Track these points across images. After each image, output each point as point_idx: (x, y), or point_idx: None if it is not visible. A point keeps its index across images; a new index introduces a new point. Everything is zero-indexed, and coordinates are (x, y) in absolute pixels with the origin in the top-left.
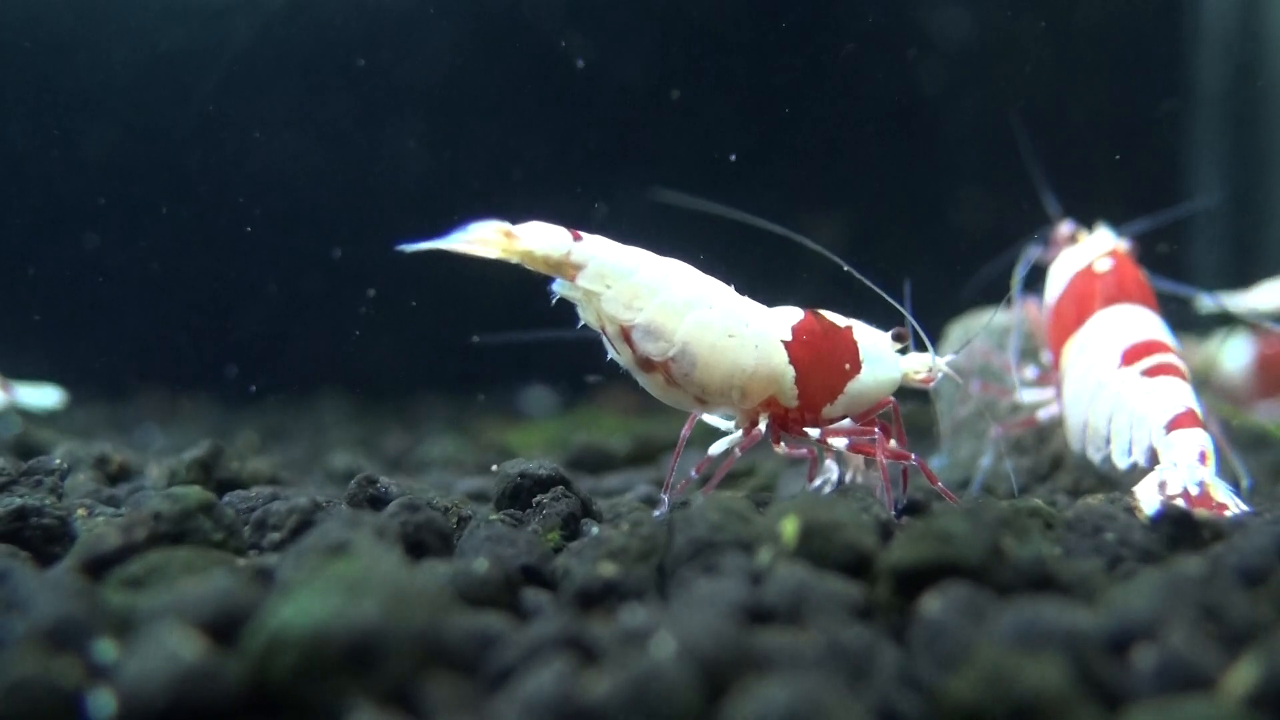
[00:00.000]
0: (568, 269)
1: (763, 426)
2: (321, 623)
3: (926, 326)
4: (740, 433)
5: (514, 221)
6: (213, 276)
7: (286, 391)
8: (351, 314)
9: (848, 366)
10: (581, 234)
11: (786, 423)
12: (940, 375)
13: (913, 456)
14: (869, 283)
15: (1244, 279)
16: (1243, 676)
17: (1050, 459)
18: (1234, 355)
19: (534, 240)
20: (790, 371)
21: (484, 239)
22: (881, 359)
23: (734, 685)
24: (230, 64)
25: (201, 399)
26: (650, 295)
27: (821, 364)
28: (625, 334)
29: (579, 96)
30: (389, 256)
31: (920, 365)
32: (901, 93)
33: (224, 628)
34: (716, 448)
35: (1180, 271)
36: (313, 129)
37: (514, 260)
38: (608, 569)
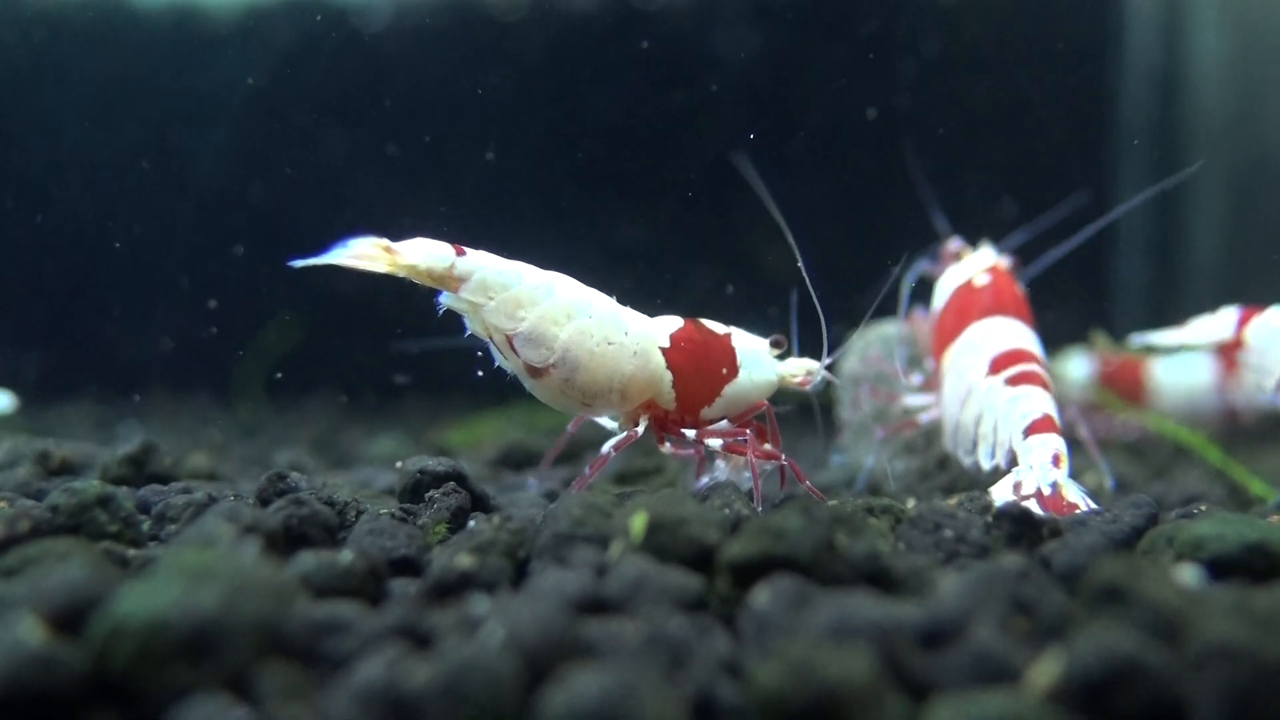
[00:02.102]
0: (451, 282)
1: (641, 428)
2: (160, 611)
3: (828, 333)
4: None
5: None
6: (211, 279)
7: (279, 392)
8: (343, 316)
9: (725, 371)
10: (465, 249)
11: (666, 424)
12: (819, 379)
13: (782, 456)
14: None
15: (1162, 293)
16: (1046, 671)
17: (937, 459)
18: (1074, 371)
19: (416, 255)
20: (668, 376)
21: (365, 254)
22: (758, 364)
23: (555, 674)
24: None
25: (198, 400)
26: (531, 305)
27: (699, 369)
28: (509, 342)
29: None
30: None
31: (797, 369)
32: (830, 111)
33: (74, 616)
34: (607, 446)
35: (1105, 288)
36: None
37: (400, 275)
38: (465, 561)
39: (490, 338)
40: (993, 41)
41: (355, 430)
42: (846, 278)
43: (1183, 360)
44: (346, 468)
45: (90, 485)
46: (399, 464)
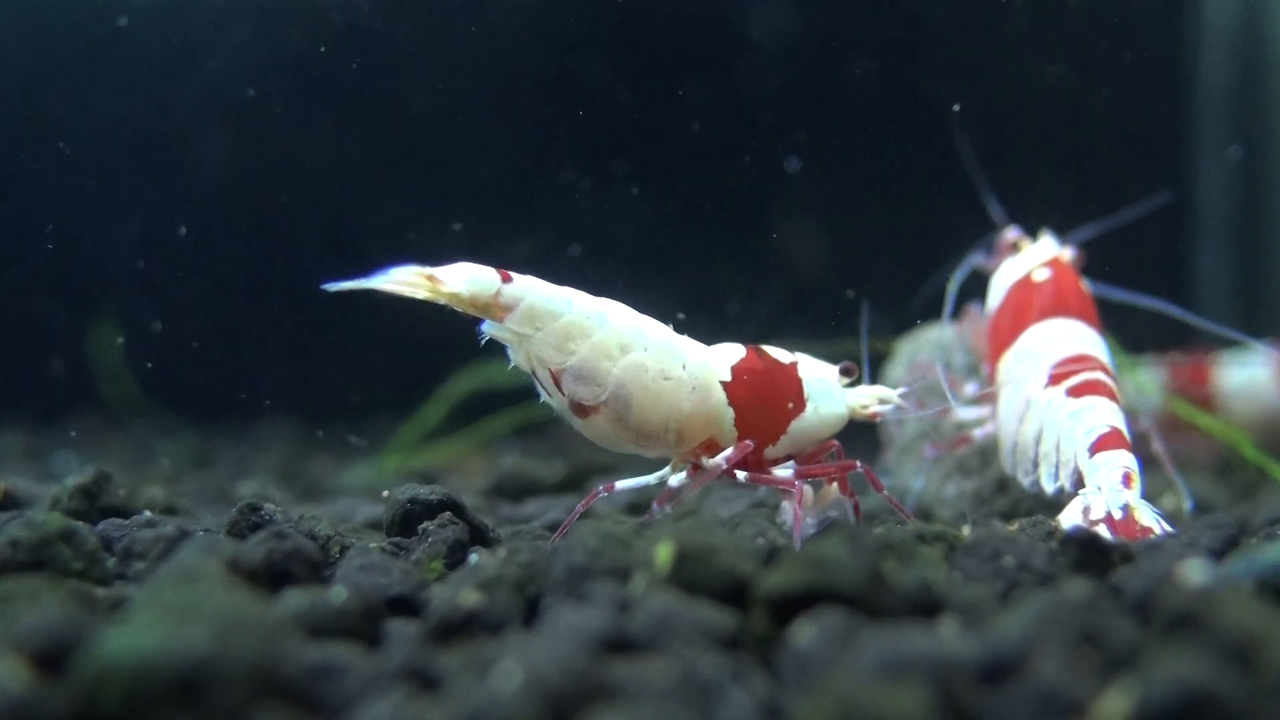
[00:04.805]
0: (496, 310)
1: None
2: (149, 652)
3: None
4: (677, 473)
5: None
6: (153, 301)
7: (230, 419)
8: (302, 338)
9: (791, 405)
10: (511, 274)
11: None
12: (892, 408)
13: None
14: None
15: (1250, 286)
16: (1115, 706)
17: (994, 481)
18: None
19: (459, 282)
20: (729, 413)
21: (406, 281)
22: (828, 395)
23: (578, 718)
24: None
25: (134, 427)
26: (582, 337)
27: (763, 404)
28: (556, 378)
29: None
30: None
31: (869, 399)
32: (894, 96)
33: (56, 657)
34: (676, 479)
35: (1186, 282)
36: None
37: (441, 301)
38: (470, 598)
39: (534, 372)
40: (1057, 5)
41: (322, 457)
42: (895, 275)
43: (1250, 368)
44: (319, 499)
45: (51, 519)
46: (385, 493)
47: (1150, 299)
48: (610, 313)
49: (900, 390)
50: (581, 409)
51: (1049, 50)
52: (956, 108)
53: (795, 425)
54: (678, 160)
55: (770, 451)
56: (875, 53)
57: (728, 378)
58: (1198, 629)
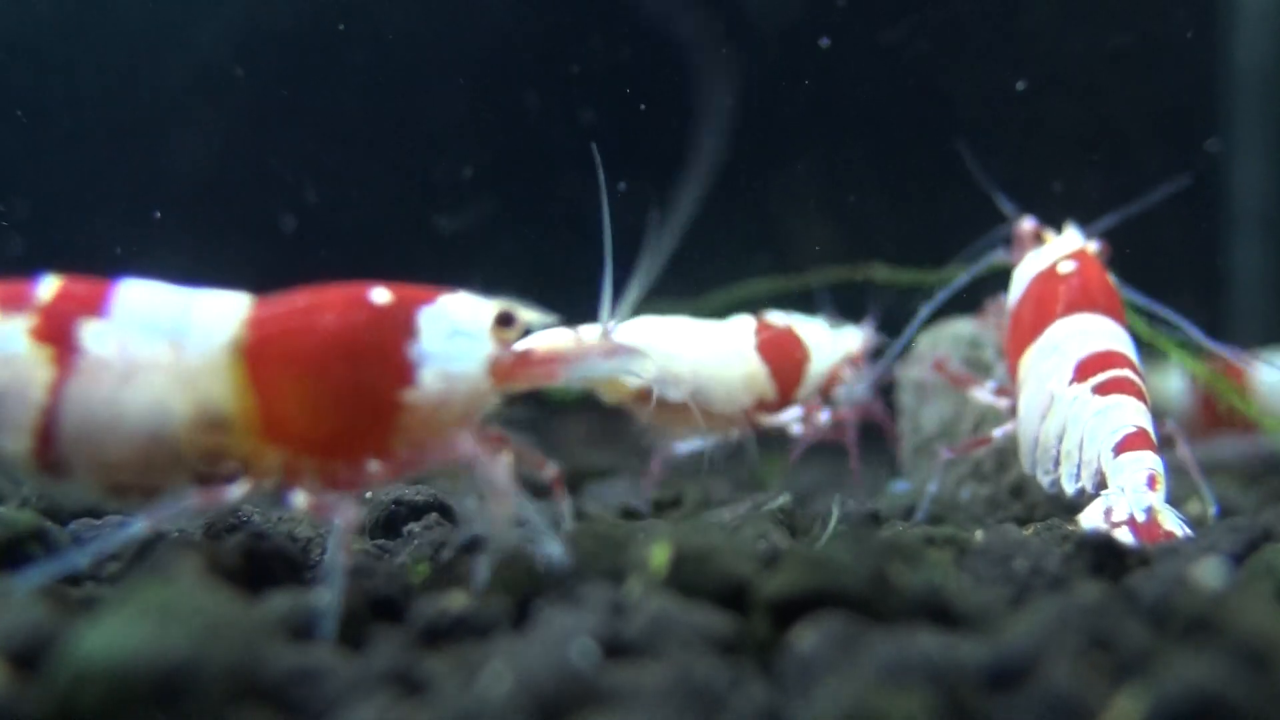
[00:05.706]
0: None
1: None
2: (129, 653)
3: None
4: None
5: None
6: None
7: None
8: None
9: (800, 355)
10: (577, 327)
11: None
12: (871, 344)
13: None
14: None
15: None
16: (1125, 710)
17: (1010, 487)
18: (1174, 380)
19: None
20: (765, 368)
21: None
22: (823, 344)
23: None
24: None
25: None
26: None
27: (785, 357)
28: (642, 395)
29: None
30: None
31: (853, 342)
32: (883, 62)
33: (31, 657)
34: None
35: (1220, 277)
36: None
37: None
38: (457, 601)
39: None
40: None
41: None
42: (910, 264)
43: None
44: None
45: (22, 515)
46: (368, 494)
47: (1165, 307)
48: (658, 327)
49: (868, 326)
50: (668, 407)
51: (1074, 31)
52: (1021, 85)
53: (812, 370)
54: (683, 147)
55: (798, 395)
56: (895, 31)
57: (754, 340)
58: (1212, 632)
